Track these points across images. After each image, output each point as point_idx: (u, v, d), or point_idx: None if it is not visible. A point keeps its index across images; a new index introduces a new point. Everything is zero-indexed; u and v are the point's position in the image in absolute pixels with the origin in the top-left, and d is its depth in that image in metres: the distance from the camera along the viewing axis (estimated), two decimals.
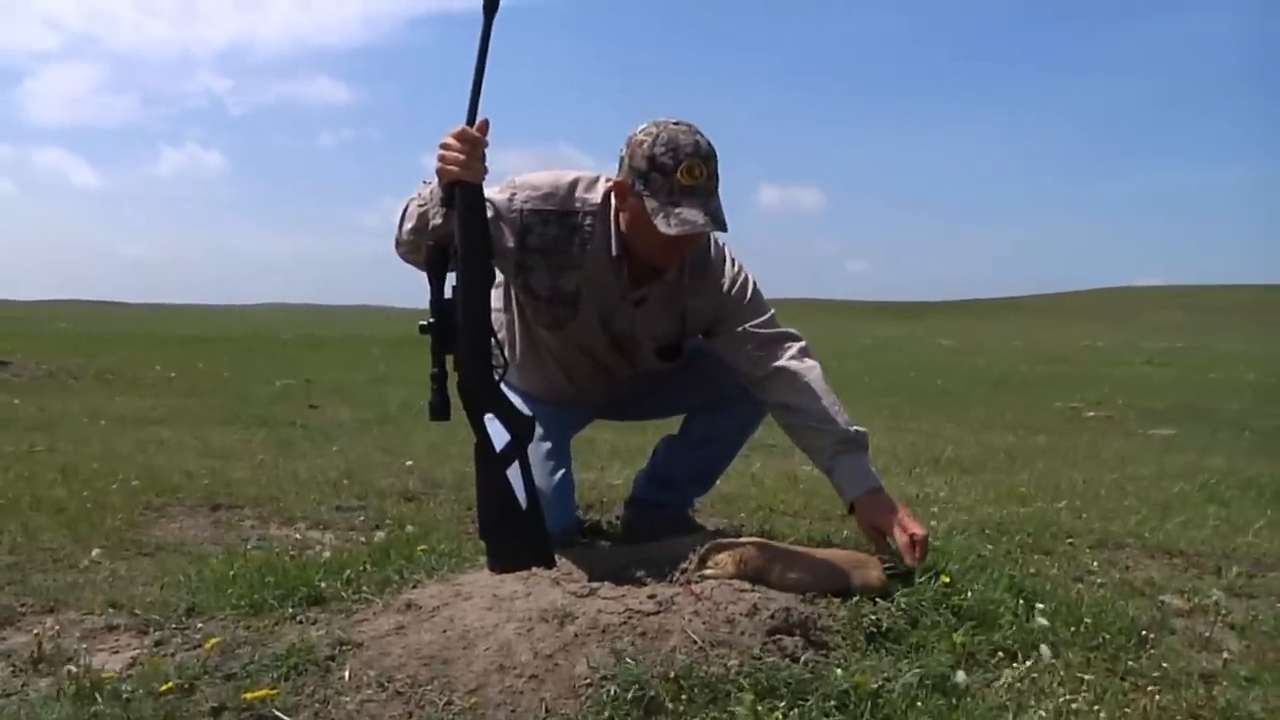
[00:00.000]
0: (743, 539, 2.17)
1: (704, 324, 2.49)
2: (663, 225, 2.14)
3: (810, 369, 2.40)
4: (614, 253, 2.34)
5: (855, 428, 2.38)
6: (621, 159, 2.23)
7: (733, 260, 2.47)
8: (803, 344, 2.44)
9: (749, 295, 2.45)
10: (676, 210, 2.13)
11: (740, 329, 2.42)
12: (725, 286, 2.43)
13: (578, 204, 2.35)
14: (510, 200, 2.32)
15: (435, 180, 2.12)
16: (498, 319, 2.49)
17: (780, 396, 2.40)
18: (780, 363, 2.39)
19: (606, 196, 2.35)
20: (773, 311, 2.47)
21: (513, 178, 2.39)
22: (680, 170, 2.13)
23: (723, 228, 2.19)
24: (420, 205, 2.20)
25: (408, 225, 2.22)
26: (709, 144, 2.19)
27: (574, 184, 2.37)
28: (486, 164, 2.10)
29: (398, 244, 2.28)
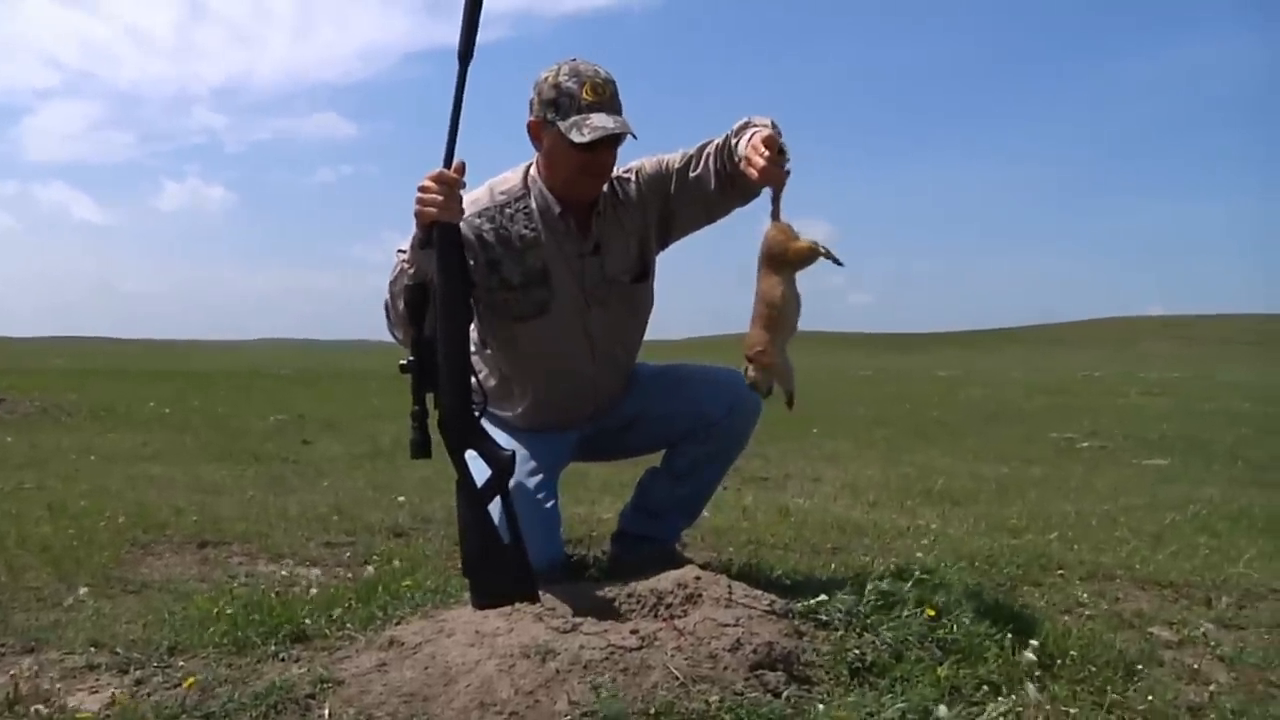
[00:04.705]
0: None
1: (655, 214, 2.60)
2: (576, 136, 2.30)
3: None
4: (556, 211, 2.49)
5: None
6: (530, 103, 2.41)
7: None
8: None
9: (654, 157, 2.60)
10: (587, 121, 2.30)
11: (674, 174, 2.54)
12: (637, 175, 2.58)
13: (502, 197, 2.52)
14: None
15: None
16: (473, 359, 2.52)
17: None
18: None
19: (525, 173, 2.53)
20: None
21: None
22: (585, 89, 2.32)
23: (632, 134, 2.35)
24: (403, 269, 2.27)
25: (400, 305, 2.27)
26: (608, 71, 2.39)
27: (491, 187, 2.54)
28: (464, 205, 2.15)
29: (401, 333, 2.34)
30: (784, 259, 2.17)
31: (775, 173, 2.17)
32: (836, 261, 2.19)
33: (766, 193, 2.25)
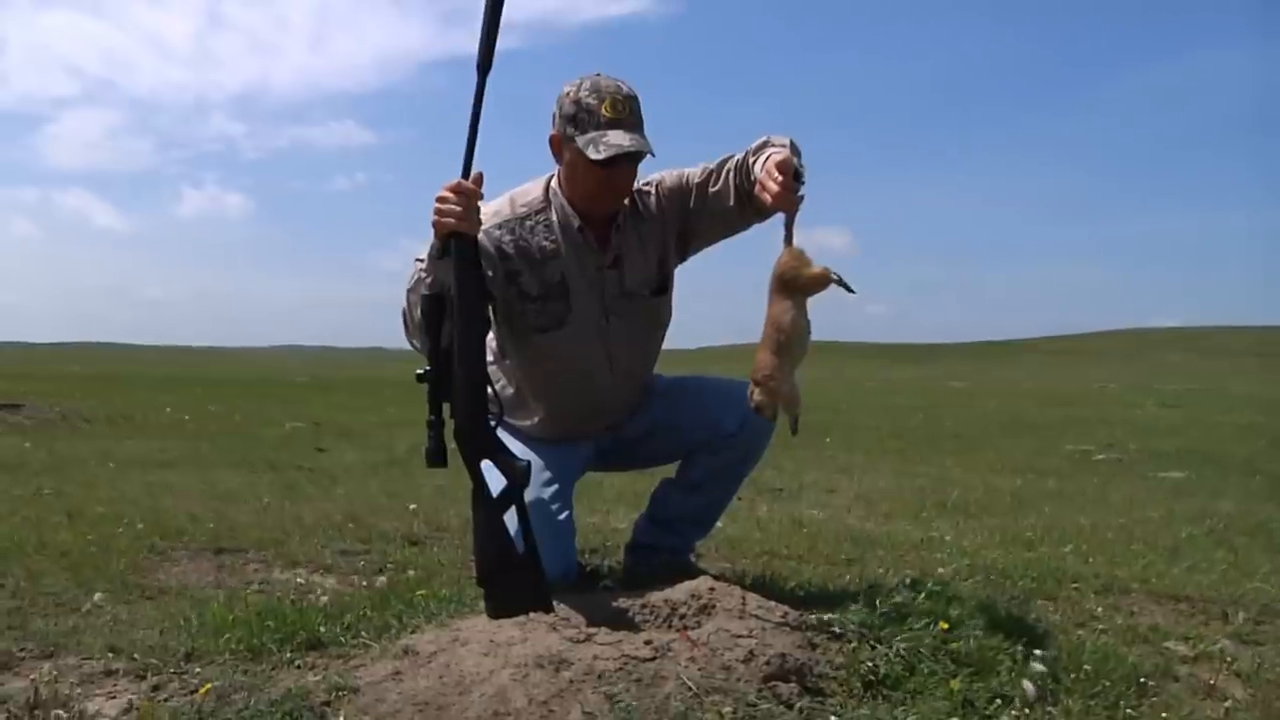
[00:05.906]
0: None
1: (674, 228, 2.61)
2: (592, 153, 2.30)
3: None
4: (576, 224, 2.50)
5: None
6: (553, 117, 2.42)
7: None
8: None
9: (674, 171, 2.62)
10: (604, 138, 2.30)
11: (694, 189, 2.56)
12: (657, 188, 2.60)
13: (523, 209, 2.52)
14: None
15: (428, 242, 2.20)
16: (490, 369, 2.53)
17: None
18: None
19: (546, 186, 2.54)
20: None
21: None
22: (604, 106, 2.32)
23: (650, 151, 2.36)
24: (420, 278, 2.28)
25: (416, 314, 2.28)
26: (630, 87, 2.38)
27: (513, 199, 2.55)
28: (484, 216, 2.17)
29: (418, 342, 2.34)
30: (796, 285, 2.15)
31: (788, 198, 2.16)
32: (849, 289, 2.18)
33: (780, 215, 2.25)
